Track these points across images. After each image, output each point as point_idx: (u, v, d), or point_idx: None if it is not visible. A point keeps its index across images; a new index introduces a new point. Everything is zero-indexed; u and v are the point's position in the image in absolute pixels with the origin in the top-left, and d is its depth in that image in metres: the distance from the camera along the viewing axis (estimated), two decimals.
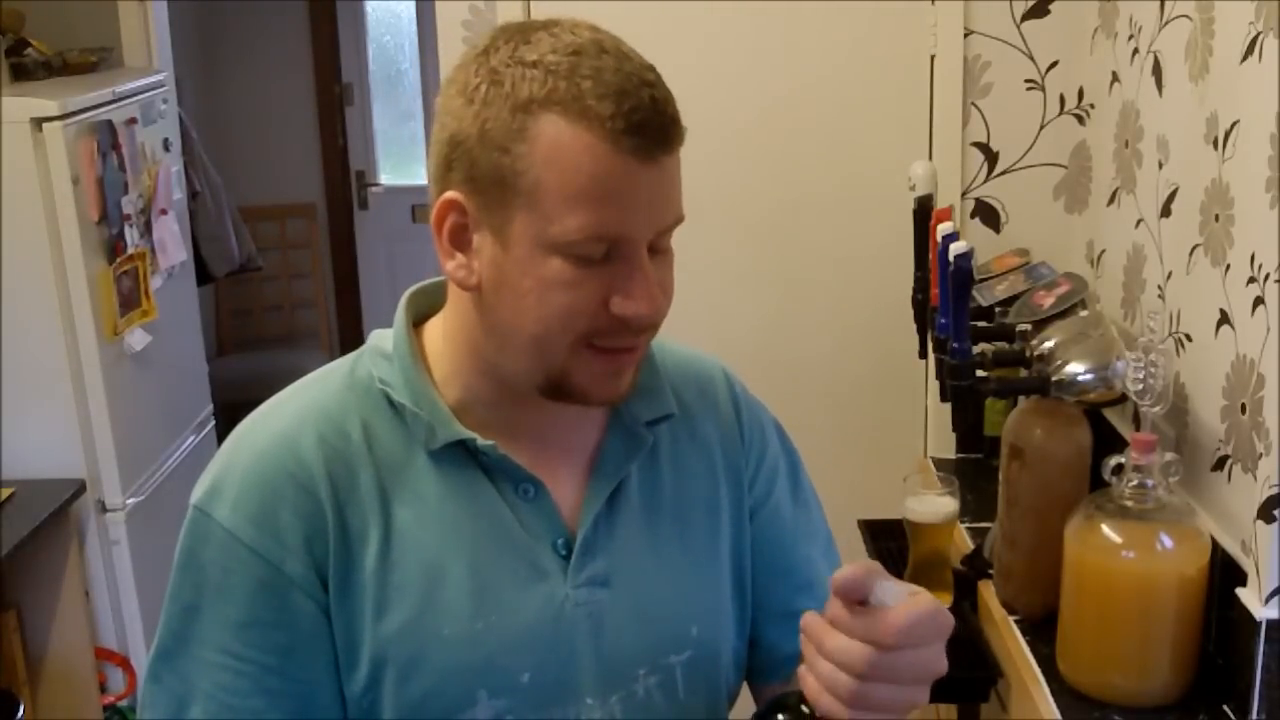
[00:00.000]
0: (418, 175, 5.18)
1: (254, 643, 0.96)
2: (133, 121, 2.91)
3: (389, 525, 0.98)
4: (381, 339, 1.05)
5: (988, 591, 1.88)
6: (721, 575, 1.11)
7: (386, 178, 5.22)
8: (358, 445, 0.99)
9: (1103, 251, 2.21)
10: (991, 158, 2.46)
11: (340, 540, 0.97)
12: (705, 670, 1.08)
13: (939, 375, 1.97)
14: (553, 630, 1.00)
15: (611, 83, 0.90)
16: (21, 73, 2.97)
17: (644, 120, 0.89)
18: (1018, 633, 1.75)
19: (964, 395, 1.87)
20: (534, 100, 0.90)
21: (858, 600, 0.87)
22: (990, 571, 1.89)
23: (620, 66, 0.91)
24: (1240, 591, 1.52)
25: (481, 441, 0.99)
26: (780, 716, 0.90)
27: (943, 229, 1.95)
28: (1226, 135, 1.61)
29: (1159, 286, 1.88)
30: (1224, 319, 1.61)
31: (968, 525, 2.09)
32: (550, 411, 1.02)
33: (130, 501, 2.81)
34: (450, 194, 0.95)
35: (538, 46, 0.91)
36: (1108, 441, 1.81)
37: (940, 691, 2.00)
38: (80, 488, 2.69)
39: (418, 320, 1.06)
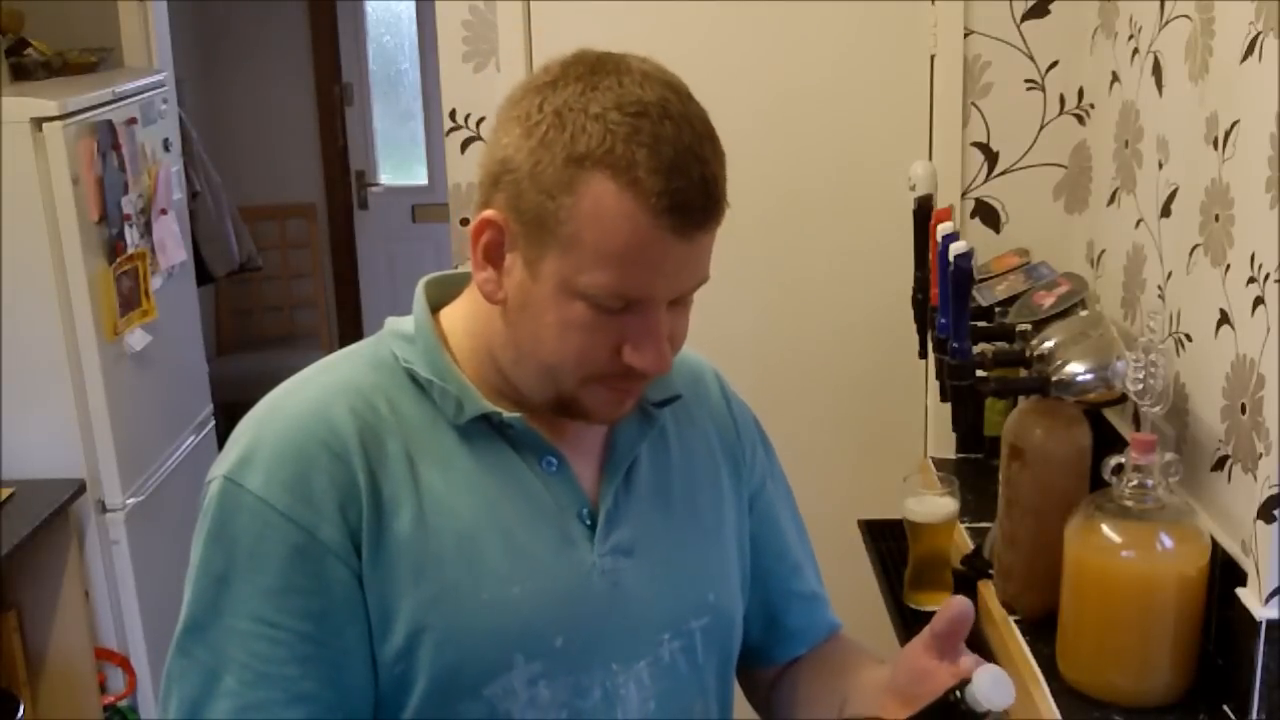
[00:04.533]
0: (418, 175, 5.19)
1: (289, 609, 0.97)
2: (133, 121, 2.91)
3: (421, 493, 1.01)
4: (400, 324, 1.09)
5: (988, 591, 1.88)
6: (728, 548, 1.17)
7: (386, 178, 5.22)
8: (386, 417, 1.02)
9: (1103, 251, 2.21)
10: (991, 158, 2.46)
11: (374, 507, 0.99)
12: (721, 635, 1.13)
13: (939, 375, 1.97)
14: (582, 596, 1.04)
15: (666, 155, 0.92)
16: (21, 73, 2.97)
17: (689, 201, 0.93)
18: (1018, 633, 1.75)
19: (964, 395, 1.87)
20: (588, 157, 0.92)
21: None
22: (990, 571, 1.89)
23: (679, 136, 0.93)
24: (1240, 591, 1.52)
25: (508, 415, 1.03)
26: None
27: (943, 229, 1.95)
28: (1226, 135, 1.61)
29: (1159, 286, 1.88)
30: (1224, 319, 1.61)
31: (968, 525, 2.09)
32: None
33: (130, 501, 2.81)
34: (492, 212, 0.98)
35: (603, 97, 0.93)
36: (1108, 441, 1.81)
37: None
38: (80, 488, 2.69)
39: (434, 308, 1.10)
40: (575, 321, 0.96)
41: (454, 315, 1.09)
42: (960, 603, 0.97)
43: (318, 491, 0.98)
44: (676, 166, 0.92)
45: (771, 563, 1.23)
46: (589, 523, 1.06)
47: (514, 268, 0.98)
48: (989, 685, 0.87)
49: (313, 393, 1.03)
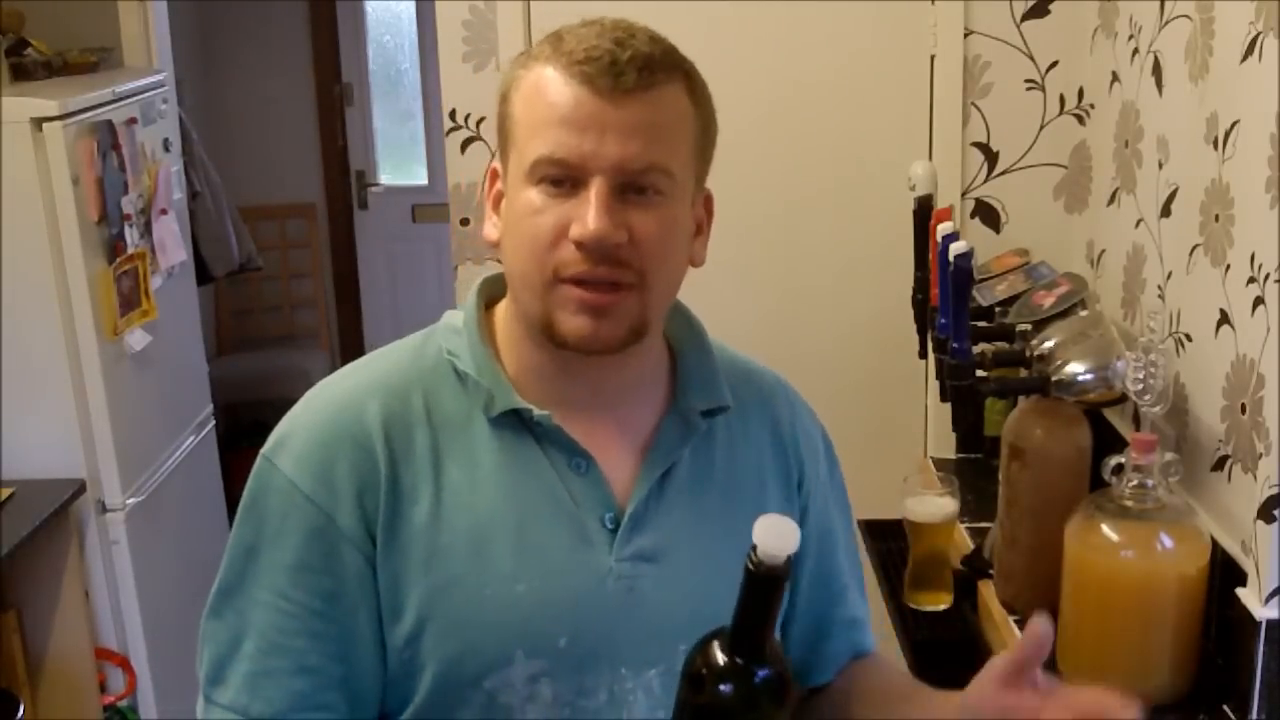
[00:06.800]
0: (418, 175, 5.19)
1: (303, 586, 1.02)
2: (133, 121, 2.91)
3: (441, 486, 1.03)
4: (454, 316, 1.13)
5: (988, 591, 1.88)
6: None
7: (386, 178, 5.22)
8: (417, 411, 1.06)
9: (1103, 251, 2.21)
10: (991, 158, 2.46)
11: (391, 497, 1.02)
12: None
13: (939, 375, 1.96)
14: (593, 599, 1.04)
15: (589, 35, 1.01)
16: (21, 73, 2.97)
17: (599, 56, 0.99)
18: (1018, 633, 1.75)
19: (964, 395, 1.87)
20: (530, 58, 1.04)
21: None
22: (990, 571, 1.89)
23: (611, 28, 1.02)
24: (1240, 591, 1.52)
25: (538, 412, 1.05)
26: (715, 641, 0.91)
27: (943, 229, 1.95)
28: (1226, 135, 1.61)
29: (1159, 286, 1.88)
30: (1224, 319, 1.61)
31: (968, 525, 2.09)
32: (602, 385, 1.08)
33: (130, 501, 2.81)
34: (493, 164, 1.09)
35: (559, 29, 1.04)
36: (1108, 441, 1.81)
37: None
38: (80, 488, 2.69)
39: (489, 304, 1.13)
40: (527, 208, 1.00)
41: (503, 307, 1.11)
42: (1043, 622, 0.97)
43: (339, 479, 1.02)
44: (598, 40, 1.00)
45: (815, 588, 1.20)
46: (612, 526, 1.06)
47: (504, 203, 1.06)
48: (771, 532, 0.86)
49: (349, 386, 1.08)
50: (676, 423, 1.10)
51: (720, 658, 0.89)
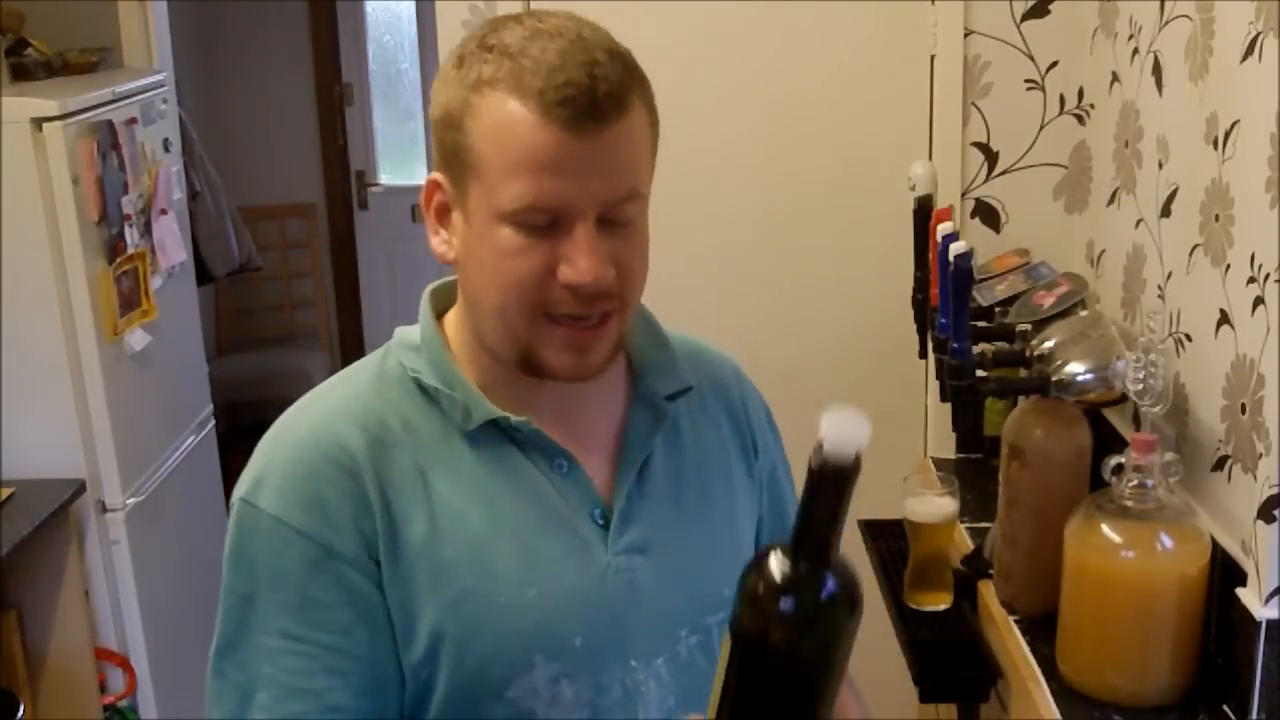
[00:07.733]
0: (418, 175, 5.19)
1: (313, 623, 0.98)
2: (133, 121, 2.90)
3: (432, 503, 1.01)
4: (407, 333, 1.10)
5: (988, 591, 1.88)
6: (742, 541, 1.16)
7: (386, 178, 5.22)
8: (395, 431, 1.03)
9: (1103, 251, 2.21)
10: (991, 158, 2.46)
11: (386, 519, 1.00)
12: None
13: (939, 375, 1.97)
14: (598, 595, 1.04)
15: (551, 61, 0.94)
16: (21, 73, 2.97)
17: (575, 94, 0.93)
18: (1018, 633, 1.75)
19: (964, 395, 1.87)
20: (483, 80, 0.96)
21: None
22: (990, 571, 1.89)
23: (569, 45, 0.95)
24: (1240, 591, 1.52)
25: (515, 419, 1.04)
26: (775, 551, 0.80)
27: (943, 229, 1.95)
28: (1226, 135, 1.61)
29: (1159, 286, 1.88)
30: (1224, 319, 1.61)
31: (968, 525, 2.09)
32: (567, 390, 1.06)
33: (130, 501, 2.81)
34: (434, 175, 1.02)
35: (502, 34, 0.97)
36: (1108, 441, 1.81)
37: (940, 691, 2.00)
38: (80, 488, 2.69)
39: (439, 314, 1.11)
40: (506, 247, 0.97)
41: (452, 318, 1.10)
42: None
43: (331, 506, 0.99)
44: (560, 66, 0.93)
45: None
46: (602, 523, 1.06)
47: (458, 222, 1.01)
48: (837, 426, 0.76)
49: (321, 411, 1.05)
50: (644, 410, 1.11)
51: (780, 569, 0.78)
